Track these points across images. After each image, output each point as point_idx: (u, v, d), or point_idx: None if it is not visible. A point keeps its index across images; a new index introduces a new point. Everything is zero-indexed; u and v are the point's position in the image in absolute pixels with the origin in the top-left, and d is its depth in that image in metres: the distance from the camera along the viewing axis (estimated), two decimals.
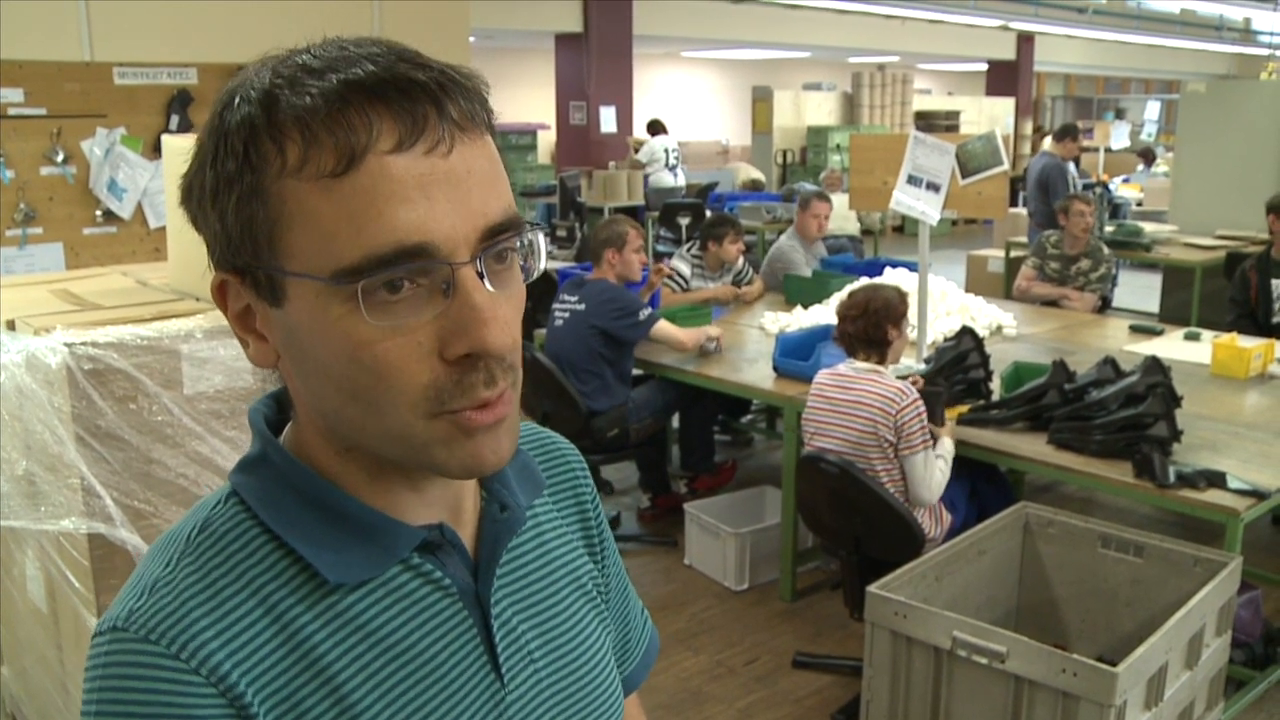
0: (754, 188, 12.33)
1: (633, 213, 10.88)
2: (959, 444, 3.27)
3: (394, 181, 0.63)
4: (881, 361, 3.24)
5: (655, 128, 11.69)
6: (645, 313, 4.20)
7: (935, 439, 3.19)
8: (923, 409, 3.13)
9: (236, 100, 0.66)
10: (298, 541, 0.71)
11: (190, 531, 0.72)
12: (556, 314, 4.34)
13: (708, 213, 9.55)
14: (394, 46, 0.66)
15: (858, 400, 3.17)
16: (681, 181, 11.43)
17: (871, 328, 3.20)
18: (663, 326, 4.23)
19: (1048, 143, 8.01)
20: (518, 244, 0.69)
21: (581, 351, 4.22)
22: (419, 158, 0.63)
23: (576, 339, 4.22)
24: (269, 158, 0.64)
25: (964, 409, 3.47)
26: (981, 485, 3.54)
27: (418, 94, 0.64)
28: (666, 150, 11.43)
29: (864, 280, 4.45)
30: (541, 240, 0.72)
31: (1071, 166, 7.65)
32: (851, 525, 3.18)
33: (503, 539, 0.79)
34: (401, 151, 0.63)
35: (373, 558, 0.72)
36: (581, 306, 4.22)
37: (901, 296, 3.28)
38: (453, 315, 0.65)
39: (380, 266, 0.63)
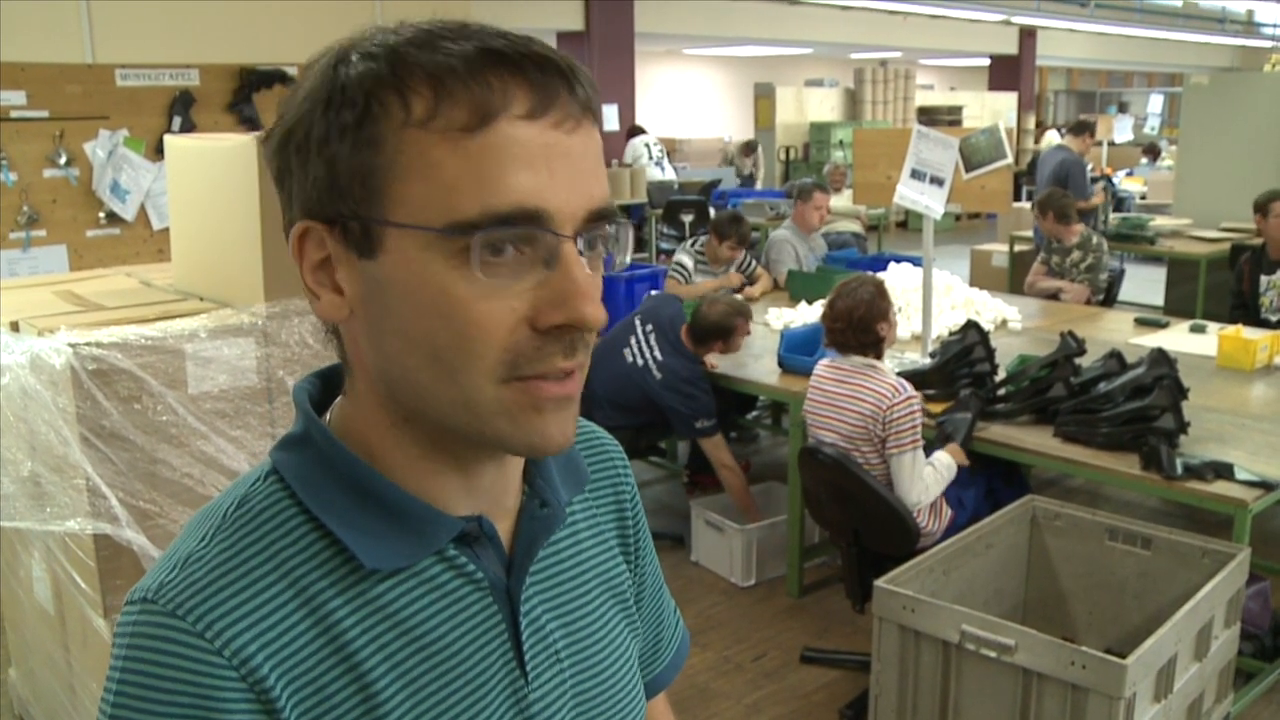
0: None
1: (635, 210, 10.89)
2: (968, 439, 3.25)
3: (520, 146, 0.65)
4: (879, 356, 3.21)
5: (633, 131, 11.77)
6: (708, 423, 3.99)
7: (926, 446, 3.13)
8: (917, 409, 3.09)
9: (354, 57, 0.67)
10: (335, 524, 0.70)
11: (228, 507, 0.72)
12: (622, 341, 4.11)
13: (711, 210, 9.54)
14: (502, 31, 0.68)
15: (853, 395, 3.17)
16: (670, 175, 11.37)
17: (861, 333, 3.17)
18: (716, 442, 4.06)
19: (1059, 136, 7.97)
20: (608, 231, 0.71)
21: (628, 396, 4.04)
22: (546, 129, 0.66)
23: (630, 385, 4.03)
24: (391, 109, 0.65)
25: None
26: (998, 484, 3.49)
27: (551, 70, 0.66)
28: (648, 146, 11.44)
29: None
30: (629, 235, 0.73)
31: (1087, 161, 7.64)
32: (849, 517, 3.17)
33: (540, 536, 0.79)
34: (532, 120, 0.65)
35: (409, 546, 0.72)
36: (659, 375, 3.98)
37: (880, 290, 3.21)
38: (553, 285, 0.66)
39: (497, 224, 0.64)
